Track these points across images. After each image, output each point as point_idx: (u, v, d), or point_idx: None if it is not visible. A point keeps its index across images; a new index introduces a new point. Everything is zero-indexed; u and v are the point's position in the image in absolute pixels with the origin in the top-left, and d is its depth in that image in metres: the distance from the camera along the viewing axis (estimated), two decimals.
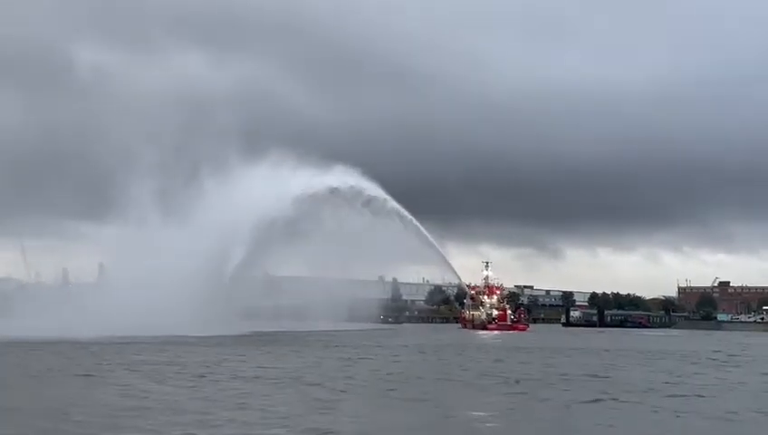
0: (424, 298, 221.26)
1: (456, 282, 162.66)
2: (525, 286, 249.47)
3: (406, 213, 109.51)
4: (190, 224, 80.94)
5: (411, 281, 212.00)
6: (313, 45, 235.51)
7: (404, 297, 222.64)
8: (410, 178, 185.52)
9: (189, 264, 77.30)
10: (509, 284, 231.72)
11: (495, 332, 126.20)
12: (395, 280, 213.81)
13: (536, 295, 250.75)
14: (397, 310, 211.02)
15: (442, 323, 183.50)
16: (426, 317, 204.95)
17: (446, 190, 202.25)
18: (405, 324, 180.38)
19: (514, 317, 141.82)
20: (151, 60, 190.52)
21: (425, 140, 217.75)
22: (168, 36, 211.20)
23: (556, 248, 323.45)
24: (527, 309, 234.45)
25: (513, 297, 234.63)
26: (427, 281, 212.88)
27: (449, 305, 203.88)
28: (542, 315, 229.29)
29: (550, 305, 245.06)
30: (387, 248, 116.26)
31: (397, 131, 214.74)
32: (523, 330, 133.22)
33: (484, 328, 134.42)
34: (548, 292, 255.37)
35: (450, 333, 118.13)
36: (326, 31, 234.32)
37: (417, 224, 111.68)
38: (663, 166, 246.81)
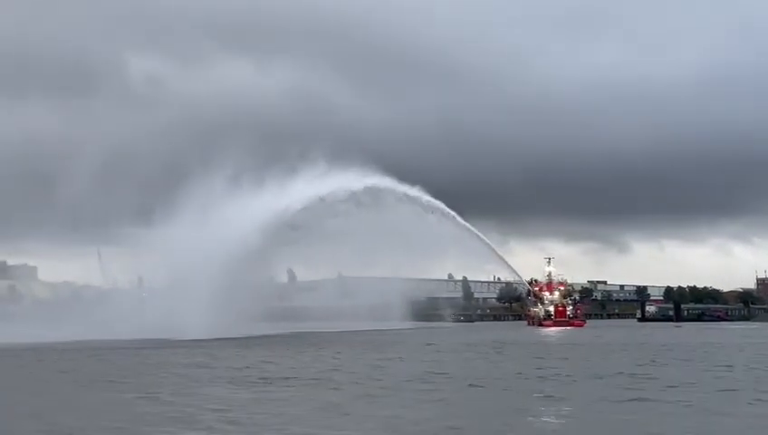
0: (496, 296, 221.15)
1: (517, 279, 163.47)
2: (599, 282, 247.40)
3: (456, 216, 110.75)
4: (225, 226, 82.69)
5: (482, 279, 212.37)
6: (357, 47, 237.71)
7: (475, 295, 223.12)
8: (466, 178, 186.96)
9: (226, 264, 79.92)
10: (582, 280, 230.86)
11: (552, 328, 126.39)
12: (465, 279, 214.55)
13: (610, 291, 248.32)
14: (468, 308, 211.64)
15: (514, 320, 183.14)
16: (498, 315, 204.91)
17: (506, 189, 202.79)
18: (477, 323, 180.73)
19: (571, 314, 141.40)
20: (198, 68, 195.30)
21: (477, 138, 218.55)
22: (212, 44, 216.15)
23: (622, 243, 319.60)
24: (601, 304, 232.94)
25: (586, 292, 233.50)
26: (498, 279, 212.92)
27: (521, 303, 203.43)
28: (617, 311, 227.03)
29: (624, 301, 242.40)
30: (440, 248, 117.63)
31: (447, 131, 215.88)
32: (580, 326, 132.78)
33: (541, 325, 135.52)
34: (622, 287, 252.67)
35: (508, 330, 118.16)
36: (368, 31, 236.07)
37: (465, 223, 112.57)
38: (721, 156, 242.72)
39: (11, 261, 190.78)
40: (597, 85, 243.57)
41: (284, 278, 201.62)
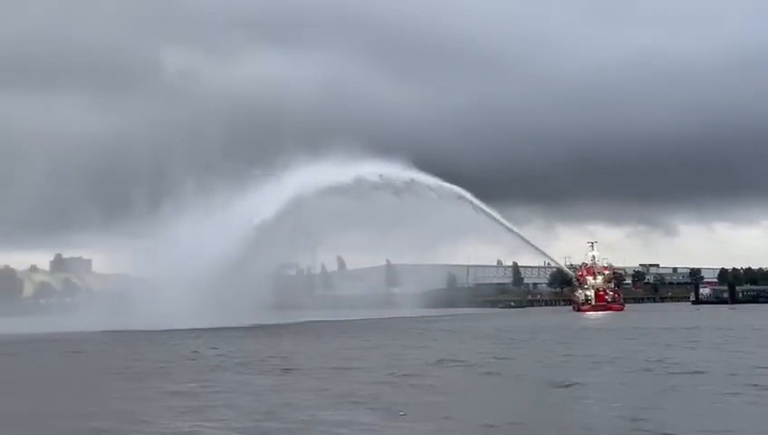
0: (546, 281, 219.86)
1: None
2: (651, 265, 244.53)
3: (485, 207, 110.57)
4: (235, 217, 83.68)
5: (532, 264, 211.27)
6: (389, 37, 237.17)
7: (525, 281, 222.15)
8: (506, 165, 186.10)
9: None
10: (633, 263, 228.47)
11: (589, 313, 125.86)
12: (515, 264, 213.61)
13: (662, 274, 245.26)
14: (519, 294, 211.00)
15: (565, 305, 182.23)
16: (549, 300, 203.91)
17: (548, 174, 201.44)
18: (526, 308, 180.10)
19: (609, 298, 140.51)
20: (231, 62, 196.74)
21: (515, 125, 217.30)
22: (245, 37, 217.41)
23: (669, 225, 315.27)
24: (654, 288, 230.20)
25: (639, 276, 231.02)
26: (548, 264, 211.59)
27: (572, 288, 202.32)
28: (670, 294, 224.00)
29: (677, 284, 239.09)
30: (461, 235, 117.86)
31: (484, 119, 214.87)
32: (619, 310, 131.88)
33: (579, 309, 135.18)
34: (675, 269, 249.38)
35: (551, 315, 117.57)
36: (400, 21, 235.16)
37: (486, 209, 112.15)
38: (761, 136, 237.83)
39: (66, 254, 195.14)
40: (633, 66, 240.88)
41: (334, 266, 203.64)
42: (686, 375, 30.11)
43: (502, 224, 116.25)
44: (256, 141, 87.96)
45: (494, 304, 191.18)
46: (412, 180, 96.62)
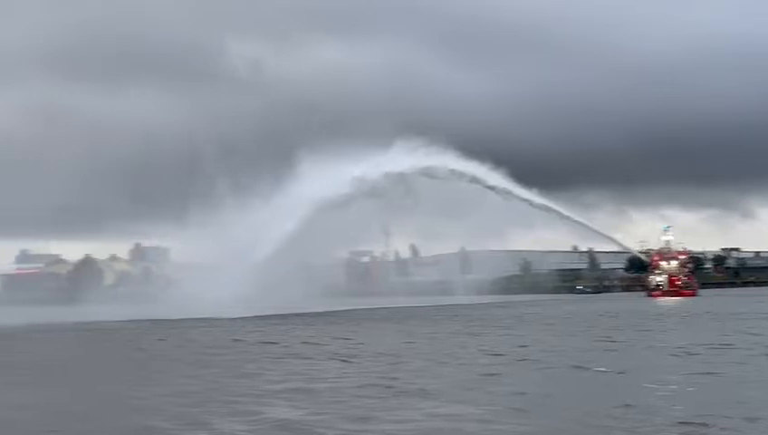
0: (623, 266, 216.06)
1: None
2: (732, 249, 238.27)
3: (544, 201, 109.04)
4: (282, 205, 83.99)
5: (609, 249, 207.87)
6: (449, 22, 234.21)
7: (602, 266, 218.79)
8: (573, 151, 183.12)
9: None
10: (712, 247, 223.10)
11: (660, 298, 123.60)
12: (591, 250, 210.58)
13: (744, 258, 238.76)
14: (595, 279, 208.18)
15: (641, 290, 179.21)
16: (625, 286, 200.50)
17: (617, 158, 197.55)
18: (602, 294, 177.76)
19: (682, 284, 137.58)
20: (295, 50, 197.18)
21: (579, 109, 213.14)
22: (303, 27, 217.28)
23: (746, 208, 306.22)
24: (735, 272, 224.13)
25: (719, 260, 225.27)
26: (628, 249, 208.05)
27: (647, 273, 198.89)
28: (752, 278, 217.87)
29: (761, 268, 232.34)
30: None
31: (548, 103, 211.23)
32: (691, 295, 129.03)
33: (650, 295, 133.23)
34: (757, 253, 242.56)
35: (621, 301, 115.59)
36: (460, 5, 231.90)
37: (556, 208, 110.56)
38: None
39: (145, 243, 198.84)
40: (702, 45, 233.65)
41: (407, 253, 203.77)
42: None
43: (567, 217, 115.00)
44: (321, 129, 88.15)
45: (569, 289, 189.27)
46: (475, 177, 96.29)
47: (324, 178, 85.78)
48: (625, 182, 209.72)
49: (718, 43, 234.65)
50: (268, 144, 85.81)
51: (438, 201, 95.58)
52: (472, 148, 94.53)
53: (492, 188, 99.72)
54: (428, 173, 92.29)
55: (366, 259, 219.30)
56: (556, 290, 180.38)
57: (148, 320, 68.71)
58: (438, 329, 53.32)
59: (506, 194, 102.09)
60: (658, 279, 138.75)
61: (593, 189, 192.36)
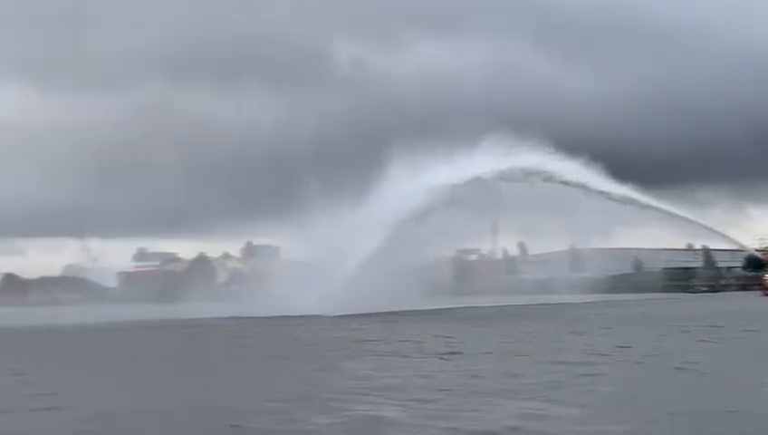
0: (741, 265, 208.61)
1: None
2: None
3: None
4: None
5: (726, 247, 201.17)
6: (557, 18, 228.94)
7: (719, 265, 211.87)
8: (688, 146, 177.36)
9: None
10: None
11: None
12: (706, 247, 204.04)
13: None
14: (710, 278, 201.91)
15: (759, 289, 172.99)
16: (742, 285, 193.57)
17: (734, 153, 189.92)
18: (719, 293, 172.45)
19: None
20: (397, 51, 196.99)
21: (689, 104, 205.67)
22: (408, 27, 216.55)
23: None
24: None
25: None
26: (743, 247, 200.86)
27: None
28: None
29: None
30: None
31: (661, 100, 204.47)
32: None
33: (766, 294, 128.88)
34: None
35: (732, 301, 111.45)
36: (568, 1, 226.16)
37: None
38: None
39: (256, 242, 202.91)
40: None
41: (515, 251, 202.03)
42: None
43: (677, 216, 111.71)
44: (423, 128, 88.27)
45: (683, 288, 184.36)
46: (580, 183, 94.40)
47: (412, 185, 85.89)
48: (742, 177, 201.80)
49: None
50: (366, 143, 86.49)
51: (542, 199, 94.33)
52: (572, 145, 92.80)
53: (586, 189, 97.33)
54: (520, 175, 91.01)
55: (473, 257, 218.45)
56: (669, 289, 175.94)
57: (251, 317, 70.29)
58: (540, 327, 52.65)
59: (602, 195, 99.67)
60: None
61: (707, 185, 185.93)
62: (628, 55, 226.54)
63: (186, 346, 46.00)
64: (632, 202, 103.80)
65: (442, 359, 32.84)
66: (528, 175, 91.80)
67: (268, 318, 69.69)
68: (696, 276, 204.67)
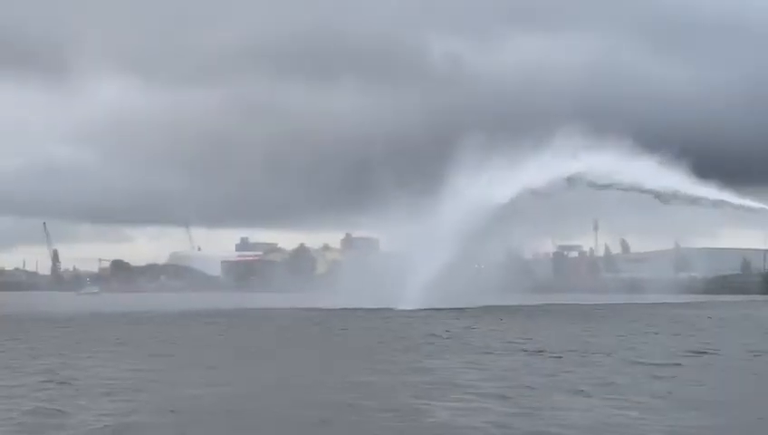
0: None
1: None
2: None
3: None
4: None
5: None
6: (660, 11, 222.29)
7: None
8: None
9: None
10: None
11: None
12: None
13: None
14: None
15: None
16: None
17: None
18: None
19: None
20: (491, 46, 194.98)
21: None
22: (502, 23, 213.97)
23: None
24: None
25: None
26: None
27: None
28: None
29: None
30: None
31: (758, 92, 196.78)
32: None
33: None
34: None
35: None
36: None
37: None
38: None
39: (355, 234, 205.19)
40: None
41: (618, 249, 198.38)
42: None
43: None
44: (522, 125, 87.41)
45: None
46: (675, 192, 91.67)
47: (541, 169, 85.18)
48: None
49: None
50: (472, 137, 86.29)
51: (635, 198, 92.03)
52: (665, 142, 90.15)
53: (667, 196, 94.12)
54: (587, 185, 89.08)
55: (574, 254, 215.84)
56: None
57: (346, 309, 71.40)
58: (629, 327, 51.82)
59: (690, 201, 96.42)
60: None
61: None
62: (729, 51, 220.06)
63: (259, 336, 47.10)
64: (723, 204, 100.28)
65: (530, 355, 32.88)
66: (598, 186, 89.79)
67: (363, 309, 70.68)
68: None
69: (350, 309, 70.83)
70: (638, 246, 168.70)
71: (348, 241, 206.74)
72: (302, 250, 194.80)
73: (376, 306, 72.05)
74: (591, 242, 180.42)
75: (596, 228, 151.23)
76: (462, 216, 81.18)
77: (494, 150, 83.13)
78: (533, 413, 19.52)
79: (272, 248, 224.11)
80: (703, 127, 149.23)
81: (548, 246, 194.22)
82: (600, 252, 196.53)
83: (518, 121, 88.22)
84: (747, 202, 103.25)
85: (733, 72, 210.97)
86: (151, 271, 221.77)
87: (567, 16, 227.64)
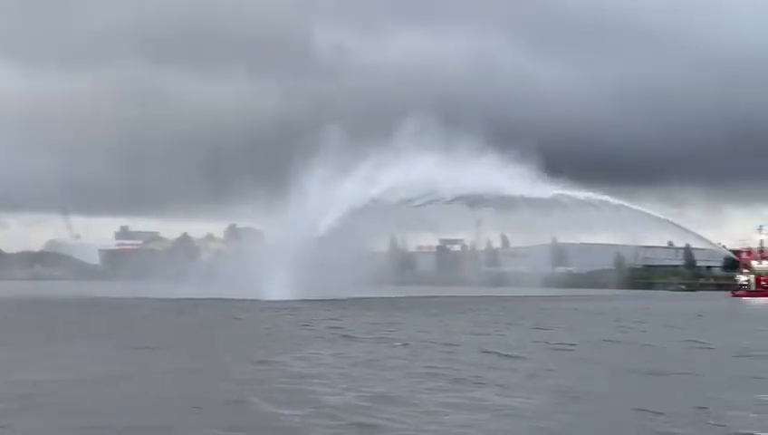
0: (720, 264, 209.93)
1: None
2: None
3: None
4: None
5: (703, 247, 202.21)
6: (535, 11, 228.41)
7: (698, 263, 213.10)
8: (667, 144, 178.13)
9: None
10: None
11: (743, 298, 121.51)
12: (688, 246, 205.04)
13: None
14: (692, 277, 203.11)
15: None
16: (719, 284, 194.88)
17: (712, 152, 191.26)
18: (697, 292, 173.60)
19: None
20: (378, 39, 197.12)
21: (670, 103, 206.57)
22: (388, 16, 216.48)
23: None
24: None
25: None
26: (723, 246, 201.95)
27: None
28: None
29: None
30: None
31: (639, 95, 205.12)
32: None
33: (734, 294, 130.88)
34: None
35: (697, 300, 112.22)
36: None
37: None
38: None
39: (239, 224, 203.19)
40: None
41: (498, 244, 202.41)
42: None
43: (649, 215, 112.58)
44: (379, 122, 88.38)
45: (664, 286, 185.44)
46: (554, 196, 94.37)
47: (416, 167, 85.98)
48: (719, 179, 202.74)
49: None
50: (349, 130, 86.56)
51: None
52: (545, 142, 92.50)
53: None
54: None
55: (457, 248, 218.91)
56: (647, 286, 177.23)
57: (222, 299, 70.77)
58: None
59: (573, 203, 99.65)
60: (743, 278, 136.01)
61: (685, 186, 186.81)
62: (609, 54, 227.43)
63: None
64: (601, 204, 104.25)
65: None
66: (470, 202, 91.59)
67: (232, 300, 70.17)
68: (679, 274, 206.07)
69: (214, 299, 70.21)
70: (518, 241, 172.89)
71: (232, 231, 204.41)
72: (184, 239, 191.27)
73: (245, 297, 71.71)
74: (473, 237, 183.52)
75: (478, 224, 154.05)
76: (312, 214, 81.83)
77: (346, 148, 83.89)
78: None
79: (153, 237, 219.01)
80: (583, 129, 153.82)
81: (431, 240, 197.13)
82: (482, 246, 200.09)
83: (377, 119, 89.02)
84: (639, 206, 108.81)
85: (613, 76, 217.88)
86: (25, 259, 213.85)
87: (450, 13, 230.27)
